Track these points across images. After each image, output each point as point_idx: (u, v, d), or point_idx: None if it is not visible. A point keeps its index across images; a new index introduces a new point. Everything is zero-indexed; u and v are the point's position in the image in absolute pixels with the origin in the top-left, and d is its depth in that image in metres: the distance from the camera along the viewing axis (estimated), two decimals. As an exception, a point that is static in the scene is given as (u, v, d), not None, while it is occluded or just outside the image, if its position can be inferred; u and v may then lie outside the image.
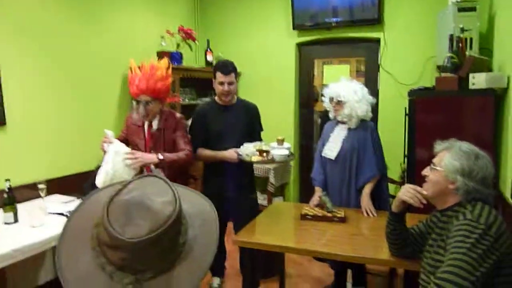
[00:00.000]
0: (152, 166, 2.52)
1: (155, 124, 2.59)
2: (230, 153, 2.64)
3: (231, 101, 2.83)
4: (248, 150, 2.55)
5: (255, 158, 2.52)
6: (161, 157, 2.45)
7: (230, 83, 2.70)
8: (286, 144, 2.66)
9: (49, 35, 3.11)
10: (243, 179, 2.87)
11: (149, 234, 0.77)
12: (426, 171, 1.68)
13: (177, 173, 2.62)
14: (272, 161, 2.56)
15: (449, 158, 1.57)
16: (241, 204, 2.81)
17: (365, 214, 2.54)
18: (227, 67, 2.70)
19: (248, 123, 2.88)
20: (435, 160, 1.65)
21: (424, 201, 1.68)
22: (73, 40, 3.29)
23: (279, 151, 2.59)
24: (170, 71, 2.57)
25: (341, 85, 2.69)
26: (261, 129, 3.05)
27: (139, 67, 2.53)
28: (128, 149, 2.42)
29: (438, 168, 1.60)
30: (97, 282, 0.79)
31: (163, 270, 0.81)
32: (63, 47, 3.22)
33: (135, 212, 0.79)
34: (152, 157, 2.45)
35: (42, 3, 3.04)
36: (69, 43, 3.26)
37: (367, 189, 2.61)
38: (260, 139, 2.77)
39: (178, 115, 2.72)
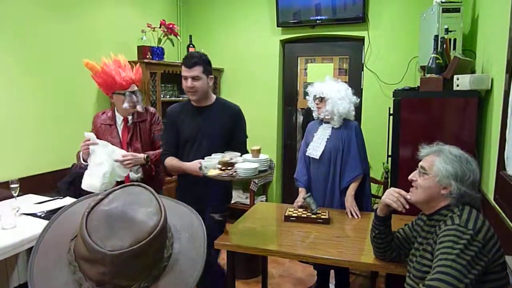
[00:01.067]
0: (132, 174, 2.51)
1: (130, 118, 2.57)
2: (192, 165, 2.20)
3: (203, 101, 2.37)
4: (211, 162, 2.08)
5: (213, 172, 2.01)
6: (147, 158, 2.46)
7: (194, 78, 2.25)
8: (263, 156, 2.13)
9: (29, 31, 2.96)
10: (211, 197, 2.38)
11: (132, 246, 0.70)
12: (413, 176, 1.64)
13: (155, 175, 2.61)
14: (236, 177, 1.98)
15: (441, 162, 1.55)
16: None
17: (349, 215, 2.52)
18: (190, 59, 2.26)
19: (227, 129, 2.38)
20: (424, 165, 1.61)
21: (407, 206, 1.66)
22: (51, 35, 3.15)
23: (246, 165, 2.02)
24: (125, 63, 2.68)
25: (324, 84, 2.69)
26: (244, 138, 2.52)
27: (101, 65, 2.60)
28: (123, 151, 2.41)
29: (429, 173, 1.57)
30: None
31: (146, 286, 0.75)
32: (41, 43, 3.08)
33: (116, 223, 0.72)
34: (141, 157, 2.44)
35: (15, -7, 2.89)
36: (47, 39, 3.12)
37: (351, 190, 2.60)
38: (242, 150, 2.29)
39: (152, 108, 2.72)
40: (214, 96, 2.46)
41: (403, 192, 1.67)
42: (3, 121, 2.86)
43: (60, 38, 3.25)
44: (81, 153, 2.45)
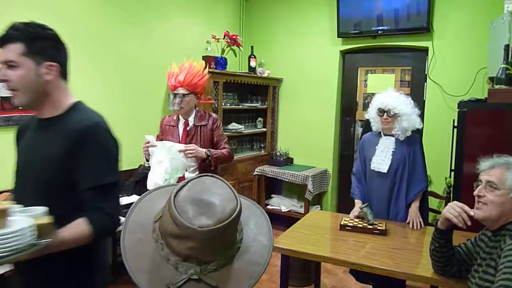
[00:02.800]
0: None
1: (190, 121, 2.67)
2: None
3: (41, 107, 1.38)
4: None
5: None
6: (208, 152, 2.52)
7: (9, 65, 1.28)
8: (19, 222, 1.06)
9: (101, 39, 3.27)
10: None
11: (216, 224, 0.80)
12: (480, 192, 1.56)
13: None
14: None
15: None
16: None
17: (411, 225, 2.47)
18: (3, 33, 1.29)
19: (60, 162, 1.28)
20: (493, 179, 1.53)
21: (469, 223, 1.57)
22: (122, 43, 3.45)
23: None
24: (206, 71, 2.72)
25: (392, 97, 2.57)
26: (90, 186, 1.27)
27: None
28: (182, 145, 2.49)
29: (501, 188, 1.50)
30: (162, 272, 0.83)
31: (224, 264, 0.85)
32: (114, 50, 3.37)
33: (200, 206, 0.83)
34: (202, 151, 2.51)
35: (94, 9, 3.20)
36: (119, 47, 3.42)
37: (416, 202, 2.56)
38: (92, 205, 1.27)
39: (214, 114, 2.78)
40: (69, 101, 1.46)
41: (466, 207, 1.59)
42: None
43: (133, 49, 3.54)
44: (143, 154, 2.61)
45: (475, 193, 1.59)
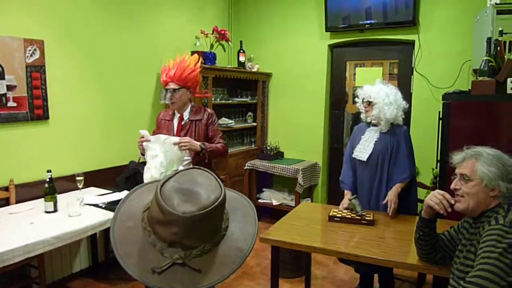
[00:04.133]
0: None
1: (185, 116, 2.69)
2: None
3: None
4: None
5: None
6: (203, 145, 2.53)
7: None
8: None
9: (90, 35, 3.27)
10: None
11: (200, 210, 0.84)
12: (456, 185, 1.62)
13: (207, 167, 2.66)
14: None
15: (483, 165, 1.53)
16: None
17: (384, 202, 2.54)
18: None
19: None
20: (465, 171, 1.59)
21: (450, 209, 1.63)
22: (112, 39, 3.44)
23: None
24: (199, 64, 2.71)
25: (373, 87, 2.68)
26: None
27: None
28: (177, 138, 2.50)
29: (473, 179, 1.56)
30: (149, 257, 0.87)
31: (208, 250, 0.89)
32: (103, 45, 3.37)
33: (185, 195, 0.87)
34: (197, 144, 2.52)
35: (84, 6, 3.19)
36: (108, 42, 3.41)
37: (396, 186, 2.58)
38: None
39: (209, 109, 2.79)
40: None
41: (447, 195, 1.65)
42: (70, 119, 3.17)
43: (121, 44, 3.53)
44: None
45: (451, 187, 1.64)
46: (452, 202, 1.62)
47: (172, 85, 2.60)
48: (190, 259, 0.87)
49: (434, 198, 1.67)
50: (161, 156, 2.43)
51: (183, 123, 2.68)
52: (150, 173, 2.44)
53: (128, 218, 0.94)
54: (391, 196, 2.56)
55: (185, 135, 2.64)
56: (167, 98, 2.61)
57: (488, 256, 1.32)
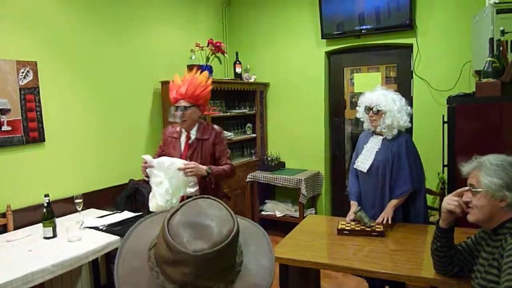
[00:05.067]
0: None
1: (193, 134, 2.59)
2: None
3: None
4: None
5: None
6: (209, 170, 2.44)
7: None
8: None
9: (84, 52, 3.20)
10: None
11: (212, 248, 0.76)
12: (467, 197, 1.58)
13: (214, 191, 2.54)
14: None
15: (485, 176, 1.49)
16: None
17: (379, 220, 2.44)
18: None
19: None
20: (473, 182, 1.55)
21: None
22: (106, 56, 3.38)
23: None
24: (210, 81, 2.62)
25: (378, 94, 2.56)
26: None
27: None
28: (184, 161, 2.41)
29: (479, 190, 1.51)
30: None
31: None
32: (97, 63, 3.31)
33: (195, 230, 0.79)
34: (203, 168, 2.42)
35: (77, 25, 3.14)
36: (102, 60, 3.35)
37: (394, 201, 2.51)
38: None
39: (217, 127, 2.68)
40: None
41: (460, 190, 1.63)
42: (66, 140, 3.10)
43: (117, 61, 3.48)
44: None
45: (463, 199, 1.60)
46: (468, 199, 1.58)
47: (183, 103, 2.50)
48: None
49: (451, 202, 1.62)
50: (166, 183, 2.33)
51: (190, 141, 2.59)
52: (156, 201, 2.34)
53: (133, 257, 0.86)
54: (386, 212, 2.48)
55: (192, 154, 2.56)
56: (177, 117, 2.51)
57: (515, 271, 1.25)
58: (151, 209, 2.38)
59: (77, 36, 3.14)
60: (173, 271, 0.78)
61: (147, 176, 2.46)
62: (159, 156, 2.60)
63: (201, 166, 2.42)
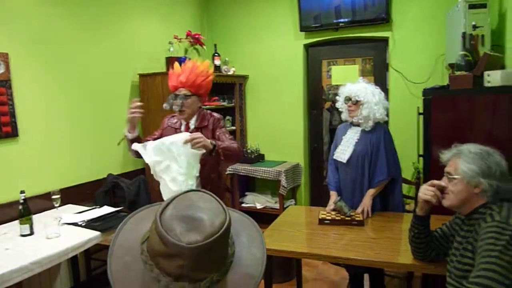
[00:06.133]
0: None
1: (192, 124, 2.48)
2: None
3: None
4: None
5: None
6: (213, 142, 2.20)
7: None
8: None
9: (58, 45, 3.11)
10: None
11: (205, 240, 0.77)
12: (444, 183, 1.65)
13: (214, 185, 2.44)
14: None
15: (463, 163, 1.56)
16: None
17: (359, 210, 2.52)
18: None
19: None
20: (449, 170, 1.62)
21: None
22: (82, 49, 3.29)
23: None
24: (211, 70, 2.50)
25: (360, 86, 2.62)
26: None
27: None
28: (187, 135, 2.11)
29: (456, 177, 1.58)
30: None
31: (217, 280, 0.82)
32: (72, 56, 3.22)
33: (187, 223, 0.79)
34: (208, 142, 2.16)
35: (51, 15, 3.04)
36: (78, 52, 3.26)
37: (372, 191, 2.58)
38: None
39: (216, 114, 2.57)
40: None
41: (435, 182, 1.69)
42: (42, 134, 3.01)
43: (93, 54, 3.39)
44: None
45: (440, 184, 1.67)
46: (443, 184, 1.66)
47: (183, 91, 2.38)
48: None
49: (427, 192, 1.69)
50: (174, 164, 2.03)
51: (189, 131, 2.45)
52: (169, 191, 2.04)
53: (125, 252, 0.86)
54: (364, 202, 2.55)
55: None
56: (177, 105, 2.36)
57: (489, 254, 1.32)
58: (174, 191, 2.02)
59: (52, 28, 3.05)
60: (168, 264, 0.79)
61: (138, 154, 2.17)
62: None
63: (207, 139, 2.17)
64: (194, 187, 2.05)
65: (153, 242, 0.81)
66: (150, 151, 2.06)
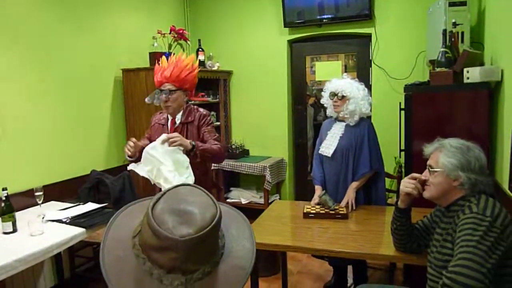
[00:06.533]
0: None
1: (178, 119, 2.49)
2: None
3: None
4: None
5: None
6: (193, 143, 2.28)
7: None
8: None
9: (40, 41, 3.05)
10: None
11: (197, 233, 0.79)
12: (425, 175, 1.70)
13: (201, 180, 2.39)
14: None
15: (444, 157, 1.61)
16: None
17: (343, 204, 2.56)
18: None
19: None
20: (431, 163, 1.68)
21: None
22: (64, 44, 3.24)
23: None
24: (196, 64, 2.51)
25: (345, 82, 2.68)
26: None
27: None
28: (163, 136, 2.21)
29: (437, 169, 1.63)
30: (146, 286, 0.81)
31: (209, 271, 0.84)
32: (55, 52, 3.16)
33: (179, 216, 0.81)
34: (187, 141, 2.25)
35: (32, 11, 2.97)
36: (60, 48, 3.21)
37: (355, 184, 2.64)
38: None
39: (202, 110, 2.56)
40: None
41: (416, 175, 1.75)
42: (24, 131, 2.96)
43: (74, 49, 3.34)
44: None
45: (421, 177, 1.72)
46: (423, 177, 1.71)
47: (168, 86, 2.38)
48: (191, 283, 0.82)
49: (408, 185, 1.75)
50: (162, 167, 2.13)
51: (175, 126, 2.48)
52: (169, 184, 2.07)
53: (117, 245, 0.87)
54: (348, 195, 2.61)
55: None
56: (162, 100, 2.38)
57: (467, 244, 1.37)
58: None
59: (32, 22, 2.99)
60: (161, 257, 0.80)
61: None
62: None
63: (185, 139, 2.27)
64: (191, 178, 2.18)
65: (145, 236, 0.82)
66: (140, 165, 2.18)
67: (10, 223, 2.36)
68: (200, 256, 0.83)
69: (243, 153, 4.63)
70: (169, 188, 0.88)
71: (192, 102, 4.11)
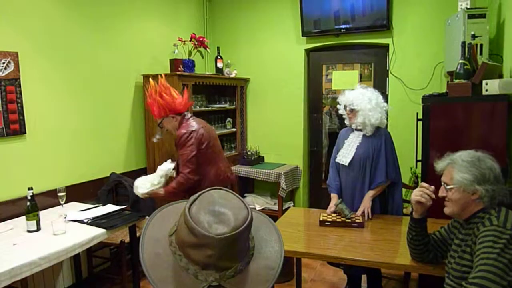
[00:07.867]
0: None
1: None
2: None
3: None
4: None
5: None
6: (162, 192, 2.81)
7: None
8: None
9: (66, 47, 3.16)
10: None
11: (233, 231, 0.84)
12: (442, 192, 1.71)
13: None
14: None
15: (458, 173, 1.62)
16: None
17: (359, 212, 2.58)
18: None
19: None
20: (445, 180, 1.69)
21: (434, 196, 1.75)
22: (88, 49, 3.35)
23: None
24: (162, 82, 2.76)
25: (355, 93, 2.71)
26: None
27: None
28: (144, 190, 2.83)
29: (452, 186, 1.64)
30: (183, 281, 0.87)
31: (241, 270, 0.90)
32: (79, 57, 3.27)
33: (214, 215, 0.87)
34: (160, 193, 2.84)
35: (59, 17, 3.09)
36: (85, 54, 3.32)
37: (371, 192, 2.65)
38: None
39: (182, 130, 2.76)
40: None
41: (425, 184, 1.78)
42: (49, 132, 3.06)
43: (99, 54, 3.45)
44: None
45: (439, 195, 1.73)
46: (432, 188, 1.74)
47: (158, 121, 2.83)
48: (224, 280, 0.87)
49: (417, 193, 1.78)
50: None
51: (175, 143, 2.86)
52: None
53: (155, 243, 0.94)
54: (364, 203, 2.62)
55: (176, 161, 2.87)
56: (162, 133, 2.90)
57: (488, 257, 1.38)
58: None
59: (60, 28, 3.10)
60: (197, 254, 0.86)
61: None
62: None
63: (161, 191, 2.79)
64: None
65: (182, 234, 0.87)
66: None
67: (34, 222, 2.44)
68: (233, 254, 0.88)
69: (258, 160, 4.68)
70: (203, 192, 0.93)
71: (209, 109, 4.21)
